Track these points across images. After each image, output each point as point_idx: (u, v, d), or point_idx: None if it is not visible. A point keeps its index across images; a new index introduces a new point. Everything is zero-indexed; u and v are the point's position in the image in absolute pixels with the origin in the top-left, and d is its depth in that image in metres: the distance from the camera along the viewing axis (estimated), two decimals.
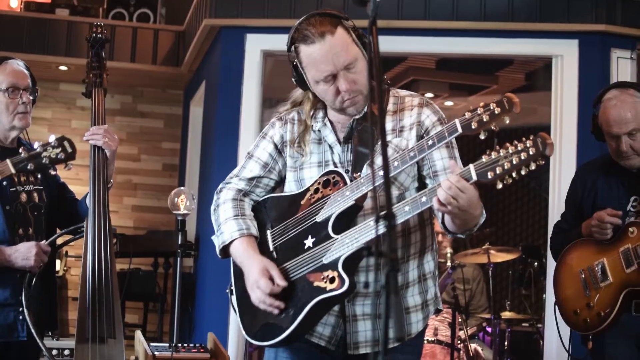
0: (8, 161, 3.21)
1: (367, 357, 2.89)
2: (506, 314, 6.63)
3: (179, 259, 5.05)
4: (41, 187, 3.84)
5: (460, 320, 6.06)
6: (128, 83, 8.84)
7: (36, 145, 3.25)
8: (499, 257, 6.80)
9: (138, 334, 5.19)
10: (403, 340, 2.90)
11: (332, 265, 2.70)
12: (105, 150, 3.90)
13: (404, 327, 2.91)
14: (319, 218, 2.82)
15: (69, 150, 3.27)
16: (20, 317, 3.64)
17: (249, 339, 2.92)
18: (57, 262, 7.73)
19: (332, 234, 2.75)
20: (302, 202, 2.89)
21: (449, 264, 6.23)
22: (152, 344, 4.95)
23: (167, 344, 4.97)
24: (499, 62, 7.81)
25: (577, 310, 3.94)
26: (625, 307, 3.80)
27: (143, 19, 8.50)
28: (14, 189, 3.70)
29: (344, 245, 2.70)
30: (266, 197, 3.06)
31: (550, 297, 5.22)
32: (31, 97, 3.81)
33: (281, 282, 2.77)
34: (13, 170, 3.29)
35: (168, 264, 7.63)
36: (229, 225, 2.95)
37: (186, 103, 8.90)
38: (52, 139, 3.28)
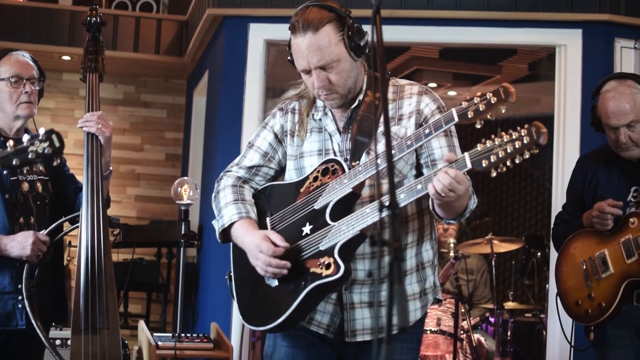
0: None
1: (364, 344, 2.92)
2: (509, 305, 6.64)
3: (182, 249, 5.05)
4: (47, 178, 3.84)
5: (463, 310, 6.07)
6: (131, 73, 8.84)
7: (25, 138, 3.20)
8: (502, 247, 6.81)
9: (141, 324, 5.20)
10: (406, 329, 2.91)
11: (329, 252, 2.74)
12: (99, 137, 3.85)
13: (407, 315, 2.92)
14: (317, 205, 2.86)
15: (57, 144, 3.21)
16: (20, 305, 3.63)
17: (245, 324, 2.97)
18: None
19: (329, 221, 2.79)
20: (302, 190, 2.93)
21: (452, 254, 6.24)
22: (155, 334, 4.96)
23: (171, 334, 4.98)
24: (503, 52, 7.80)
25: (579, 301, 3.94)
26: (627, 297, 3.80)
27: (146, 9, 8.49)
28: (15, 177, 3.70)
29: (340, 232, 2.74)
30: (266, 185, 3.10)
31: (553, 287, 5.22)
32: (36, 88, 3.82)
33: (282, 243, 2.82)
34: None
35: (171, 254, 7.63)
36: (229, 209, 2.99)
37: (189, 93, 8.90)
38: (41, 131, 3.24)
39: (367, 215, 2.71)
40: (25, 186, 3.74)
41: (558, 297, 4.10)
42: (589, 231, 3.93)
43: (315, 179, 2.90)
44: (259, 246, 2.82)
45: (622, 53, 5.96)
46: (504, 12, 6.09)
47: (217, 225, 3.02)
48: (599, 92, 3.94)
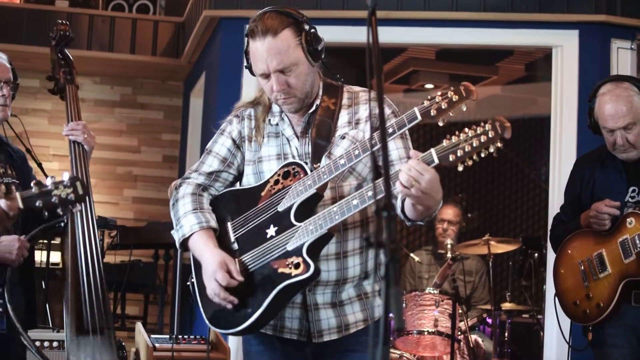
0: (18, 195, 3.18)
1: (331, 344, 2.97)
2: (506, 305, 6.64)
3: (179, 250, 5.04)
4: (18, 181, 3.83)
5: (460, 311, 6.07)
6: (128, 74, 8.82)
7: (48, 181, 3.20)
8: (499, 248, 6.81)
9: (138, 325, 5.20)
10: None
11: (297, 252, 2.79)
12: (85, 146, 3.97)
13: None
14: (280, 207, 2.89)
15: (80, 192, 3.23)
16: (1, 309, 3.63)
17: (212, 328, 2.99)
18: (52, 254, 7.75)
19: (294, 222, 2.84)
20: (262, 193, 2.96)
21: (449, 255, 6.25)
22: (152, 336, 4.95)
23: (168, 336, 4.98)
24: (499, 53, 7.81)
25: (577, 302, 3.95)
26: (625, 297, 3.82)
27: (143, 10, 8.48)
28: None
29: (307, 232, 2.79)
30: (223, 191, 3.12)
31: (550, 288, 5.23)
32: (11, 92, 3.80)
33: (238, 277, 2.85)
34: (21, 205, 3.19)
35: (168, 256, 7.62)
36: (189, 219, 2.99)
37: (186, 94, 8.89)
38: (65, 177, 3.25)
39: (334, 214, 2.76)
40: (2, 189, 3.70)
41: (556, 298, 4.11)
42: (586, 231, 3.94)
43: (276, 182, 2.93)
44: (215, 273, 2.85)
45: (618, 54, 5.96)
46: (500, 13, 6.10)
47: (177, 235, 3.03)
48: (596, 95, 3.95)
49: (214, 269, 2.85)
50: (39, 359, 3.71)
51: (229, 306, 2.85)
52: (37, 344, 4.99)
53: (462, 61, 8.22)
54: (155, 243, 7.70)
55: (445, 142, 2.62)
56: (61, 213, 3.67)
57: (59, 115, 8.87)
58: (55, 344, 5.04)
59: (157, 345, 4.84)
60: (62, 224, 3.84)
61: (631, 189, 3.90)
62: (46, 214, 3.07)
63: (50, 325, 6.23)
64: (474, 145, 2.58)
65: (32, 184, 3.18)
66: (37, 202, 3.17)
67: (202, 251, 2.93)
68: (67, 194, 3.19)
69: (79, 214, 3.81)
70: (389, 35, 5.95)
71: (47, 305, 6.45)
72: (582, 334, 4.00)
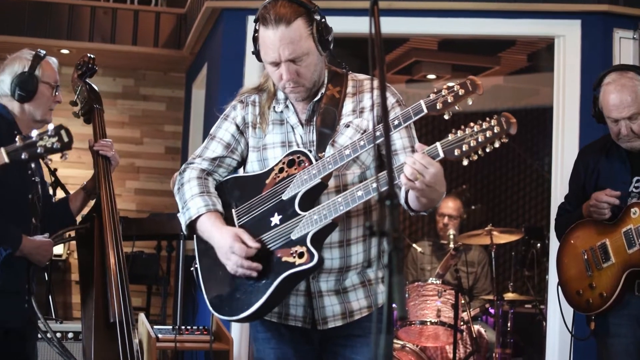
0: (2, 150, 3.16)
1: (336, 329, 3.00)
2: (509, 295, 6.64)
3: (182, 241, 5.05)
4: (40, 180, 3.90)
5: (463, 301, 6.07)
6: (130, 66, 8.82)
7: (33, 133, 3.20)
8: (502, 238, 6.81)
9: (141, 316, 5.21)
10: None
11: (301, 241, 2.81)
12: (112, 161, 4.14)
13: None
14: (285, 196, 2.90)
15: (66, 139, 3.23)
16: (26, 304, 3.68)
17: (216, 315, 3.00)
18: (60, 246, 7.78)
19: (299, 211, 2.85)
20: (267, 181, 2.97)
21: (452, 245, 6.24)
22: (155, 327, 4.97)
23: (171, 327, 4.99)
24: (501, 43, 7.79)
25: (580, 291, 3.95)
26: (628, 287, 3.82)
27: (144, 2, 8.47)
28: (33, 178, 3.75)
29: (312, 222, 2.81)
30: (228, 177, 3.12)
31: (552, 278, 5.24)
32: None
33: (253, 244, 2.85)
34: (7, 160, 3.17)
35: (171, 247, 7.63)
36: (195, 202, 3.00)
37: (188, 86, 8.88)
38: (50, 127, 3.25)
39: (339, 205, 2.78)
40: (35, 187, 3.79)
41: (559, 287, 4.11)
42: (590, 221, 3.94)
43: (281, 170, 2.94)
44: (232, 247, 2.85)
45: (621, 44, 5.95)
46: (502, 3, 6.08)
47: (184, 218, 3.03)
48: (601, 85, 3.95)
49: (229, 243, 2.85)
50: (58, 350, 3.75)
51: (254, 274, 2.84)
52: (58, 335, 5.05)
53: (464, 51, 8.21)
54: (158, 234, 7.71)
55: (450, 136, 2.65)
56: (46, 161, 3.74)
57: (60, 106, 8.75)
58: (70, 334, 5.08)
59: (160, 336, 4.85)
60: (82, 230, 3.96)
61: (635, 178, 3.90)
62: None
63: (53, 317, 6.26)
64: (480, 140, 2.61)
65: (16, 138, 3.17)
66: (23, 155, 3.15)
67: (211, 232, 2.94)
68: (52, 143, 3.18)
69: (106, 211, 3.94)
70: (391, 25, 5.94)
71: (49, 297, 6.47)
72: (585, 323, 4.01)
